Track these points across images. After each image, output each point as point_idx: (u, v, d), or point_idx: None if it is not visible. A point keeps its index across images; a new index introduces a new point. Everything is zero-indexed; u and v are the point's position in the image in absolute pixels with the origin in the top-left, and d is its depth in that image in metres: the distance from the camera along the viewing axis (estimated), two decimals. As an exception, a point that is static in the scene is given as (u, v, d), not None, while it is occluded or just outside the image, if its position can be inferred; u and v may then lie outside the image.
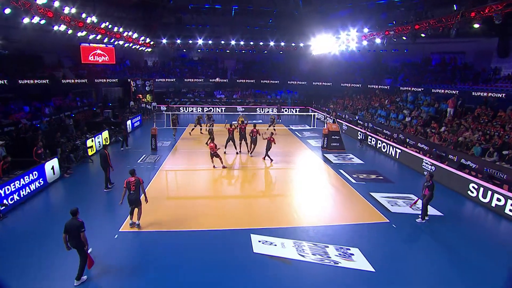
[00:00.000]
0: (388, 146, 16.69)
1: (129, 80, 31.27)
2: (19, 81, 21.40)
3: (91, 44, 28.85)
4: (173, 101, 31.93)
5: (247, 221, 9.11)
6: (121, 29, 21.96)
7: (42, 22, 14.03)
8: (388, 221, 9.38)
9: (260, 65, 39.03)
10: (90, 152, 15.39)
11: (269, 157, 14.76)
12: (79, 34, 17.51)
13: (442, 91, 20.03)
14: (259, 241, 7.99)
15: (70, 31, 16.56)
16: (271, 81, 35.28)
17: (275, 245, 7.88)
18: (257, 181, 12.69)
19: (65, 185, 11.84)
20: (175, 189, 11.75)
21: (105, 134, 17.40)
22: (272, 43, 29.81)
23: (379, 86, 27.32)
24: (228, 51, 34.47)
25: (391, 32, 18.16)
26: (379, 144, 17.69)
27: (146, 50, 30.29)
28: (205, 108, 31.29)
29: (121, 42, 23.32)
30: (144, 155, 15.74)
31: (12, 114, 17.07)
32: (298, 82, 34.81)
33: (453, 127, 15.35)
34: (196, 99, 32.58)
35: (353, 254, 7.63)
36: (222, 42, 31.03)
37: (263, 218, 9.31)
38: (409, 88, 22.89)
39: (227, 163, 14.62)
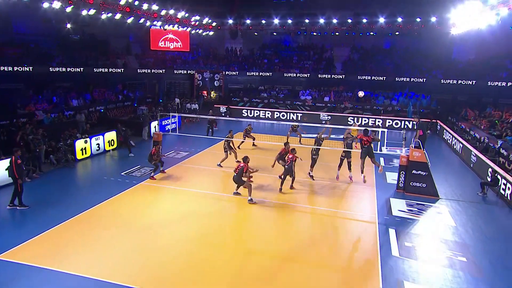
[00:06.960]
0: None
1: (192, 72, 33.56)
2: (95, 69, 26.38)
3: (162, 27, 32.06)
4: (242, 101, 32.39)
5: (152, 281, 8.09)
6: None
7: (117, 16, 22.11)
8: None
9: (386, 54, 35.54)
10: (80, 156, 16.85)
11: None
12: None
13: None
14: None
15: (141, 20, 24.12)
16: (412, 79, 30.35)
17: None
18: (232, 227, 11.33)
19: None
20: (125, 215, 11.40)
21: (110, 135, 18.74)
22: (382, 20, 26.22)
23: None
24: (338, 34, 32.83)
25: None
26: (517, 195, 12.65)
27: (204, 34, 31.89)
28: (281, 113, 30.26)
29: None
30: (138, 166, 16.14)
31: (28, 105, 20.51)
32: (458, 81, 29.00)
33: None
34: (271, 100, 32.05)
35: None
36: (307, 20, 29.41)
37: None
38: None
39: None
